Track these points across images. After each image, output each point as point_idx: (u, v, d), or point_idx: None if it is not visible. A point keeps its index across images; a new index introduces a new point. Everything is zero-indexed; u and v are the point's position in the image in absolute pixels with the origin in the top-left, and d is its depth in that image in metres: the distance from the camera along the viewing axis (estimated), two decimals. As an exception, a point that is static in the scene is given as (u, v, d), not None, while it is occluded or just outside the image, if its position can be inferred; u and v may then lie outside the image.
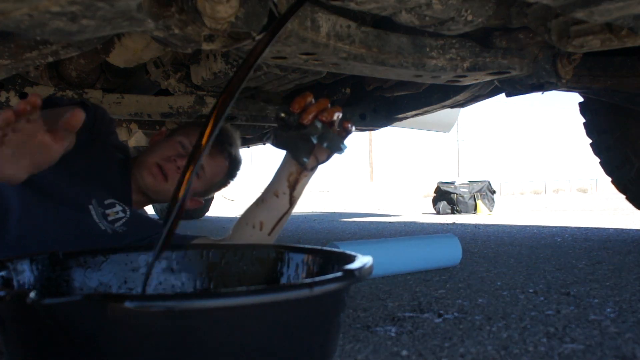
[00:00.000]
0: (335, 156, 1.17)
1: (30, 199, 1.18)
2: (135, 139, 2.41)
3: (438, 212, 5.56)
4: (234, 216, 5.31)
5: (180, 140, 1.39)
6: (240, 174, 1.56)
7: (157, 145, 1.43)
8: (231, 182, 1.56)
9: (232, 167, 1.50)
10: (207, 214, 5.39)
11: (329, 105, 1.06)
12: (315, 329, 0.57)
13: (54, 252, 0.76)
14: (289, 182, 1.22)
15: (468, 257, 1.90)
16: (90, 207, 1.25)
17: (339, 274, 0.58)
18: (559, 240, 2.47)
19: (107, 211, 1.26)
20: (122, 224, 1.26)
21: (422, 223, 4.15)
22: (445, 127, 4.46)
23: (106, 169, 1.35)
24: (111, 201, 1.29)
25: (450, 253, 1.65)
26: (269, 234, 1.23)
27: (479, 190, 5.58)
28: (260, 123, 2.26)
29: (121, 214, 1.28)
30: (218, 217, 5.12)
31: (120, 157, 1.39)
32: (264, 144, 3.49)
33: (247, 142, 3.26)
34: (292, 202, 1.24)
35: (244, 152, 3.26)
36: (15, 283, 0.68)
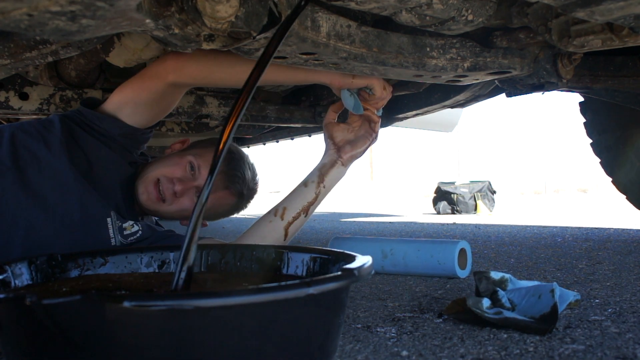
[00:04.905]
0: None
1: (38, 216, 1.18)
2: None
3: (438, 212, 5.56)
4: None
5: (191, 160, 1.36)
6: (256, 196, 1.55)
7: (168, 158, 1.41)
8: (238, 213, 1.56)
9: (239, 203, 1.48)
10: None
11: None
12: (315, 329, 0.57)
13: (52, 254, 0.76)
14: (320, 172, 1.28)
15: (468, 257, 1.90)
16: (109, 219, 1.25)
17: (338, 273, 0.58)
18: (559, 240, 2.47)
19: (125, 225, 1.27)
20: (135, 239, 1.28)
21: (423, 223, 4.15)
22: (448, 127, 4.46)
23: (119, 186, 1.34)
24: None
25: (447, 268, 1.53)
26: (287, 225, 1.24)
27: (479, 190, 5.58)
28: (260, 123, 2.25)
29: (136, 227, 1.28)
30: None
31: (131, 172, 1.38)
32: (264, 144, 3.49)
33: (246, 142, 3.24)
34: (318, 194, 1.27)
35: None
36: (14, 285, 0.68)
